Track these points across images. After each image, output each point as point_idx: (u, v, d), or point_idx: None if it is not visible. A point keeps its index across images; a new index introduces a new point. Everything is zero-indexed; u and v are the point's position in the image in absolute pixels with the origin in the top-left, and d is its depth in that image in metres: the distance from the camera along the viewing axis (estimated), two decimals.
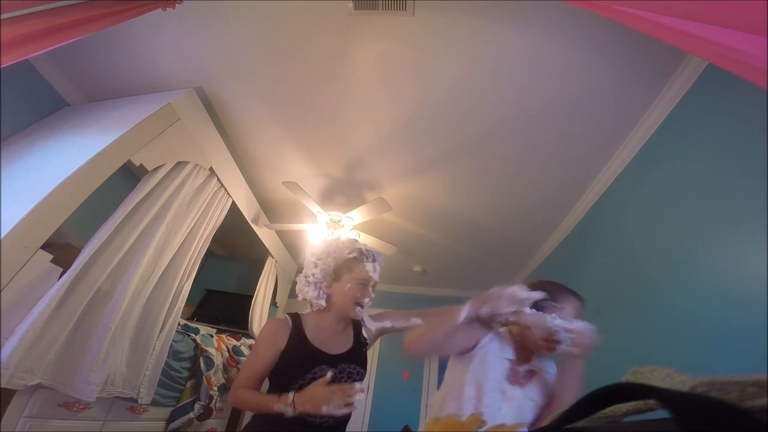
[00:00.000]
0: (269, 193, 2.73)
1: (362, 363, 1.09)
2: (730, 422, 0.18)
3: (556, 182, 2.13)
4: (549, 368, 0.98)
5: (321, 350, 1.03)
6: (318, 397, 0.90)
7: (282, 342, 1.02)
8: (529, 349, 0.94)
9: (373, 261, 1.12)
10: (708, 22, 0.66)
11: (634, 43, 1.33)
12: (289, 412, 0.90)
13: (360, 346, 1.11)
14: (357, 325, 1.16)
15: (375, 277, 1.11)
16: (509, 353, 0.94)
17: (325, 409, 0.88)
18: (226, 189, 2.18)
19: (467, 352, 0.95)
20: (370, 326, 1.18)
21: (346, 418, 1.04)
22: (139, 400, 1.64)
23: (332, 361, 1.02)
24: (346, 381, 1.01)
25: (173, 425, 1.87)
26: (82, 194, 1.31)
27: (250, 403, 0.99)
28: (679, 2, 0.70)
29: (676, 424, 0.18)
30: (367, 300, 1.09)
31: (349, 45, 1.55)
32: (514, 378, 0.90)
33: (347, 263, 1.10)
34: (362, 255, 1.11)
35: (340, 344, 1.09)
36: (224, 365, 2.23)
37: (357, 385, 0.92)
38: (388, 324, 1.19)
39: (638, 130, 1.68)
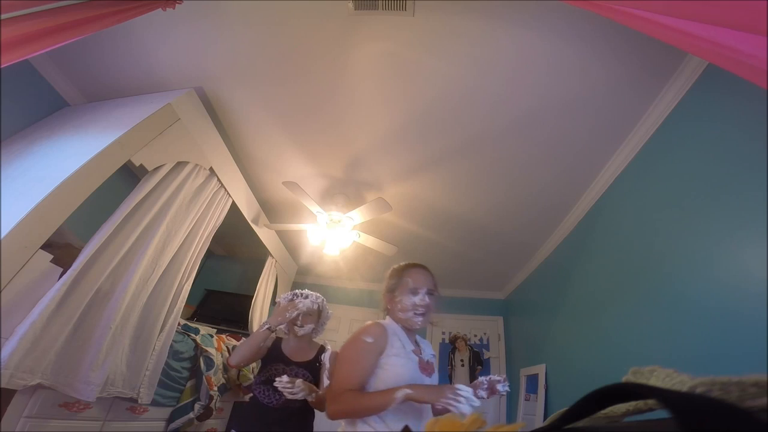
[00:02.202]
0: (269, 193, 2.73)
1: (311, 371, 1.56)
2: (730, 422, 0.18)
3: (556, 182, 2.13)
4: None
5: (286, 356, 1.57)
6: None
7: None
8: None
9: (305, 298, 1.64)
10: (708, 22, 0.66)
11: (635, 43, 1.33)
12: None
13: (315, 361, 1.59)
14: (321, 350, 1.64)
15: (301, 308, 1.58)
16: None
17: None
18: (226, 189, 2.18)
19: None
20: (325, 359, 1.47)
21: (301, 404, 1.42)
22: (139, 400, 1.64)
23: (288, 363, 1.56)
24: (294, 376, 1.40)
25: (173, 425, 1.87)
26: (82, 194, 1.31)
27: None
28: (679, 2, 0.70)
29: (676, 424, 0.18)
30: (297, 323, 1.59)
31: (349, 45, 1.55)
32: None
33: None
34: (294, 296, 1.66)
35: (301, 356, 1.60)
36: (224, 365, 2.24)
37: (285, 377, 1.27)
38: (327, 365, 1.42)
39: (639, 130, 1.68)
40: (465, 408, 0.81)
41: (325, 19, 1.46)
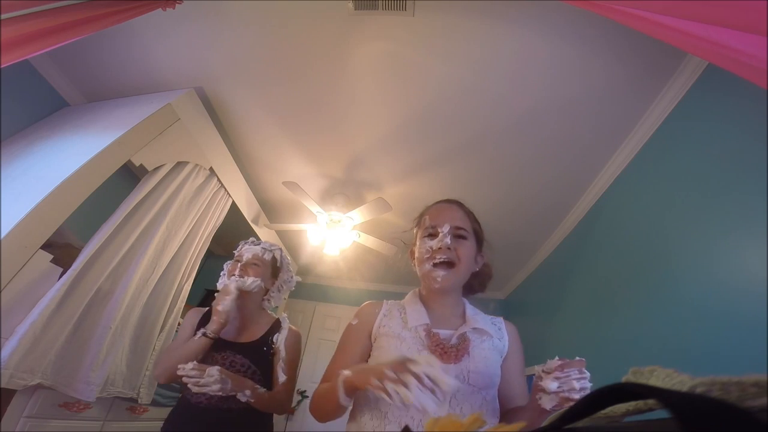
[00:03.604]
0: (269, 193, 2.73)
1: (254, 356, 1.12)
2: (730, 422, 0.18)
3: (557, 181, 2.13)
4: None
5: (221, 337, 1.11)
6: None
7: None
8: None
9: (248, 244, 1.27)
10: (708, 22, 0.66)
11: (634, 43, 1.33)
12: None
13: (262, 344, 1.15)
14: (275, 327, 1.21)
15: (247, 255, 1.22)
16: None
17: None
18: (226, 189, 2.18)
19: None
20: (278, 342, 1.17)
21: (246, 404, 1.03)
22: (139, 400, 1.64)
23: (222, 345, 1.11)
24: (227, 365, 1.07)
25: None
26: (82, 194, 1.31)
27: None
28: (679, 2, 0.70)
29: (676, 424, 0.18)
30: (236, 272, 1.18)
31: (349, 45, 1.55)
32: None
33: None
34: (242, 243, 1.29)
35: (242, 334, 1.17)
36: None
37: (190, 364, 0.94)
38: (282, 352, 1.15)
39: (639, 130, 1.68)
40: (415, 403, 0.53)
41: (325, 19, 1.46)
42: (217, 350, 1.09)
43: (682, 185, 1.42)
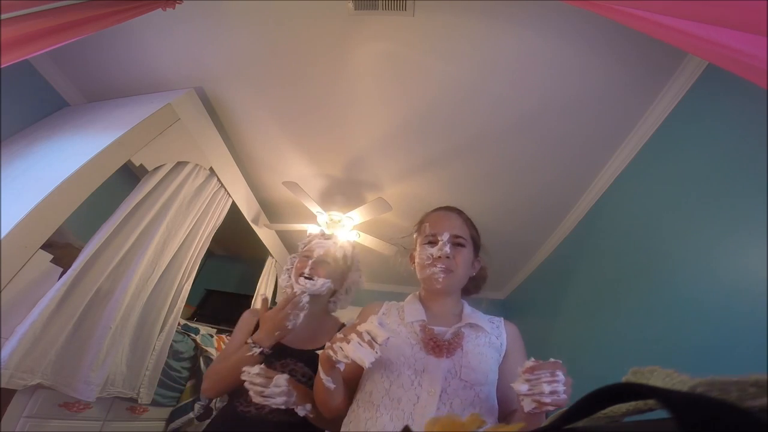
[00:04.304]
0: (269, 193, 2.73)
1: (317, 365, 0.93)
2: (730, 422, 0.18)
3: (557, 182, 2.13)
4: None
5: (282, 344, 0.97)
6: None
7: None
8: None
9: (326, 239, 1.12)
10: (708, 22, 0.66)
11: (634, 43, 1.33)
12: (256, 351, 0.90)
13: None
14: (335, 326, 1.07)
15: (318, 251, 1.07)
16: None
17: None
18: (226, 189, 2.18)
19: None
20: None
21: (275, 411, 0.88)
22: (139, 400, 1.64)
23: (282, 351, 0.97)
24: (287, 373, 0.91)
25: (173, 425, 1.87)
26: (82, 194, 1.31)
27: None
28: (679, 2, 0.70)
29: (676, 424, 0.18)
30: (306, 270, 1.03)
31: (349, 45, 1.55)
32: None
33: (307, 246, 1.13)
34: (311, 235, 1.14)
35: (304, 340, 1.01)
36: None
37: (256, 368, 0.80)
38: None
39: (639, 130, 1.68)
40: (352, 355, 0.62)
41: (325, 19, 1.46)
42: (276, 357, 0.95)
43: (682, 185, 1.42)
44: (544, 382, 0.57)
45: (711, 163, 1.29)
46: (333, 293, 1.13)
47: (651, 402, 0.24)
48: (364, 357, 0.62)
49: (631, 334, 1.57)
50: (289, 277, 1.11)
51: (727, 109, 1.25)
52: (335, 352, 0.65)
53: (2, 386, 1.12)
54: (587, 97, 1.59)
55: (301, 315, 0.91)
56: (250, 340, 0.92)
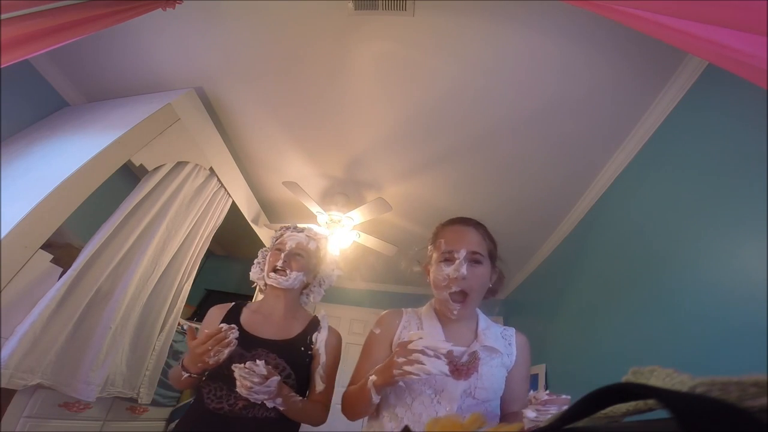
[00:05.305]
0: (269, 193, 2.73)
1: (290, 357, 0.95)
2: (730, 422, 0.18)
3: (556, 182, 2.13)
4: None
5: (247, 330, 0.97)
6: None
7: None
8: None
9: (297, 231, 1.11)
10: (708, 22, 0.66)
11: (634, 43, 1.33)
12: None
13: (300, 343, 0.99)
14: (313, 324, 1.06)
15: (290, 244, 1.06)
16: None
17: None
18: (226, 189, 2.18)
19: None
20: (318, 342, 1.01)
21: (279, 414, 0.87)
22: (139, 400, 1.64)
23: (252, 343, 0.95)
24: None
25: (173, 425, 1.87)
26: (82, 194, 1.31)
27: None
28: (679, 2, 0.70)
29: (676, 424, 0.18)
30: (279, 263, 1.02)
31: (349, 45, 1.55)
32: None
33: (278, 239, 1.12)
34: (283, 229, 1.13)
35: (275, 330, 1.00)
36: None
37: (260, 362, 0.78)
38: (321, 355, 1.00)
39: (638, 130, 1.68)
40: (432, 370, 0.66)
41: (325, 19, 1.46)
42: (247, 348, 0.92)
43: (682, 185, 1.42)
44: (551, 414, 0.62)
45: (711, 164, 1.29)
46: (306, 286, 1.13)
47: (651, 402, 0.24)
48: (441, 368, 0.67)
49: (630, 334, 1.57)
50: (261, 270, 1.12)
51: (727, 110, 1.25)
52: (414, 374, 0.68)
53: (2, 386, 1.12)
54: (587, 97, 1.58)
55: (226, 351, 0.84)
56: (180, 363, 0.92)
